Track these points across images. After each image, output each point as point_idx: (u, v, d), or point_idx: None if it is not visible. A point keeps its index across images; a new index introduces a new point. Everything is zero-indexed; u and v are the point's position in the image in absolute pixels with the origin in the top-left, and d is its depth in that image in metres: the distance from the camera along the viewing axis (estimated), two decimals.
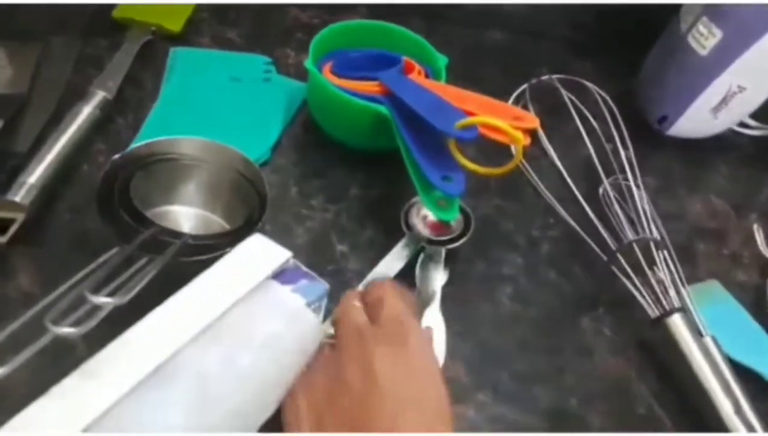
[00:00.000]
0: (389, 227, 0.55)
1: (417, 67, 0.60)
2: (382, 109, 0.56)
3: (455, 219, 0.53)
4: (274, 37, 0.70)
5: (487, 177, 0.52)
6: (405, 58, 0.61)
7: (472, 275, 0.55)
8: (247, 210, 0.50)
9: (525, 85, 0.66)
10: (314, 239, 0.55)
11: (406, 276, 0.52)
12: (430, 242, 0.53)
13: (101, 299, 0.35)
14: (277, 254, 0.43)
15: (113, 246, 0.45)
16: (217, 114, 0.61)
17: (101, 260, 0.41)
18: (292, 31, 0.71)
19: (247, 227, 0.48)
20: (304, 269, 0.44)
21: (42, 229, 0.51)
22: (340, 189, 0.58)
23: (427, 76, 0.61)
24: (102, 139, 0.58)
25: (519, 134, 0.49)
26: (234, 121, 0.61)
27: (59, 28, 0.65)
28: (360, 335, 0.39)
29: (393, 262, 0.53)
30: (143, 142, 0.50)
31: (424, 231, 0.54)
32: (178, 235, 0.46)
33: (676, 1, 0.66)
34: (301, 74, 0.66)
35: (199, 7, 0.70)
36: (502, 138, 0.50)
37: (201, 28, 0.69)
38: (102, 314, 0.35)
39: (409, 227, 0.54)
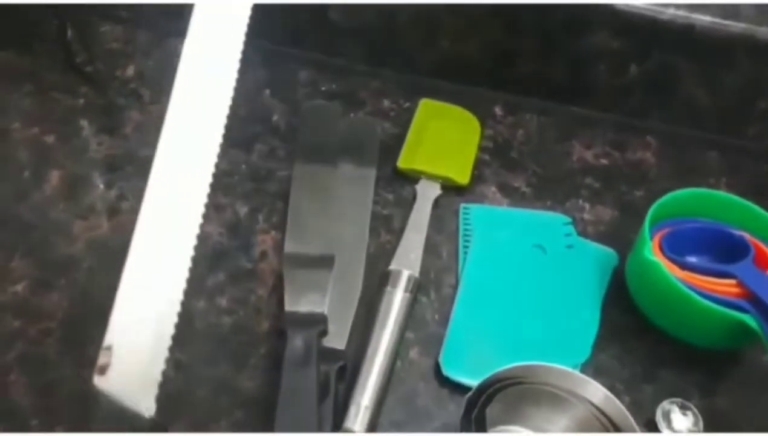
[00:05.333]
0: None
1: None
2: (748, 320, 0.48)
3: None
4: (561, 182, 0.63)
5: None
6: (750, 239, 0.53)
7: None
8: None
9: None
10: None
11: None
12: None
13: None
14: None
15: None
16: (525, 296, 0.55)
17: None
18: (580, 174, 0.64)
19: None
20: None
21: None
22: (680, 396, 0.50)
23: None
24: (411, 327, 0.53)
25: None
26: (545, 304, 0.54)
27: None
28: None
29: None
30: (497, 372, 0.44)
31: None
32: None
33: None
34: (601, 235, 0.59)
35: (479, 148, 0.64)
36: None
37: (484, 173, 0.63)
38: None
39: None
